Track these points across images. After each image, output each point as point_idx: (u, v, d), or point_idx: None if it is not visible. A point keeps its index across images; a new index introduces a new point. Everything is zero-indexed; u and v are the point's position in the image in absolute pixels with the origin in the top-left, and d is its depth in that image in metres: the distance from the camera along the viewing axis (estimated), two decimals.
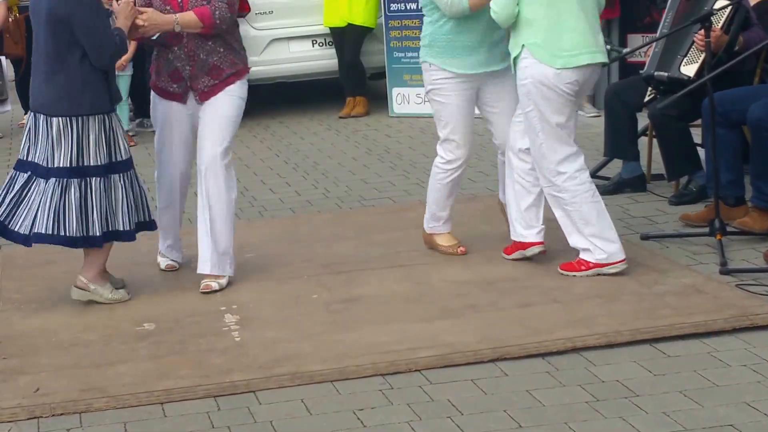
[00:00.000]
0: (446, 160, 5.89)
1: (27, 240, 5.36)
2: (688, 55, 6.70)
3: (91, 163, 5.28)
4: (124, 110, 9.96)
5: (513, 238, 5.77)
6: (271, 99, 11.30)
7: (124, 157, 5.38)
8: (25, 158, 5.40)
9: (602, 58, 5.56)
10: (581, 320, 4.92)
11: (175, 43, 5.58)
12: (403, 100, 10.50)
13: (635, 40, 9.58)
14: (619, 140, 7.12)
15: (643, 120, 7.27)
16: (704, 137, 6.68)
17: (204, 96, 5.59)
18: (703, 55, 6.48)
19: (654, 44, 6.97)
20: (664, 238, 6.07)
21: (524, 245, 5.72)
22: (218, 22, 5.48)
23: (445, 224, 6.05)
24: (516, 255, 5.77)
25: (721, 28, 6.44)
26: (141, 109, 10.57)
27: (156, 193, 5.91)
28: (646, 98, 6.99)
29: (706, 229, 5.88)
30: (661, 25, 6.99)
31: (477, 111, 5.93)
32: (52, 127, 5.24)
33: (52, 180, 5.26)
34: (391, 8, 10.38)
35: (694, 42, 6.63)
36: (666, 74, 6.76)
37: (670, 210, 6.68)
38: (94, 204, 5.29)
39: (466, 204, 6.90)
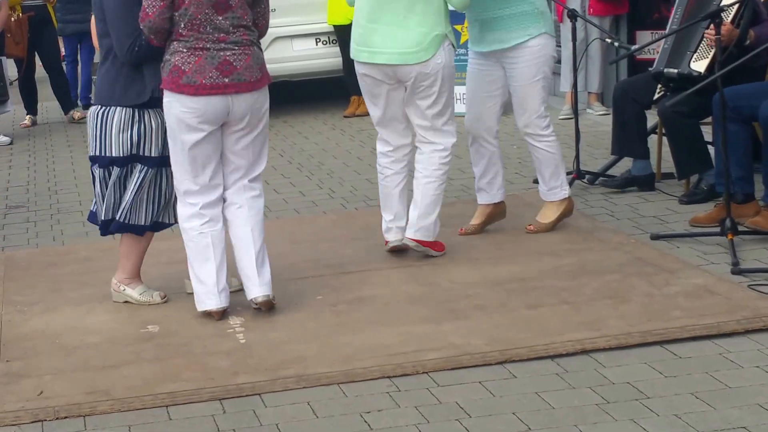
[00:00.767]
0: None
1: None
2: (698, 51, 6.70)
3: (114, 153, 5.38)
4: None
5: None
6: (275, 98, 11.25)
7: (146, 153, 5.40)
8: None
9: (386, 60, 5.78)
10: (591, 322, 4.92)
11: None
12: None
13: (644, 36, 9.58)
14: (628, 138, 7.12)
15: (652, 118, 7.28)
16: (715, 134, 6.68)
17: None
18: (713, 51, 6.48)
19: (663, 41, 6.97)
20: (675, 237, 6.07)
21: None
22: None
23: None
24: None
25: (732, 22, 6.44)
26: None
27: None
28: (656, 96, 7.00)
29: (718, 229, 5.88)
30: (671, 21, 7.00)
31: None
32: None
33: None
34: None
35: (704, 38, 6.63)
36: (676, 71, 6.77)
37: (681, 209, 6.68)
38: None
39: (473, 205, 6.89)
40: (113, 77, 5.32)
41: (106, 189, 5.41)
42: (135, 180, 5.36)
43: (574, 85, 7.65)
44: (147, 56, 5.21)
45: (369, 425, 4.11)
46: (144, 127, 5.32)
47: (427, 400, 4.29)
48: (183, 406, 4.36)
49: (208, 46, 5.11)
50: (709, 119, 6.73)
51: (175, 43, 5.11)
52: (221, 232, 5.26)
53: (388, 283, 5.60)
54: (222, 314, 5.22)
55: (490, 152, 6.34)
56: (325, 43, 10.69)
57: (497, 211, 6.43)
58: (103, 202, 5.44)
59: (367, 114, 10.46)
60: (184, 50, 5.10)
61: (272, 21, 5.54)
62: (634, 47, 8.01)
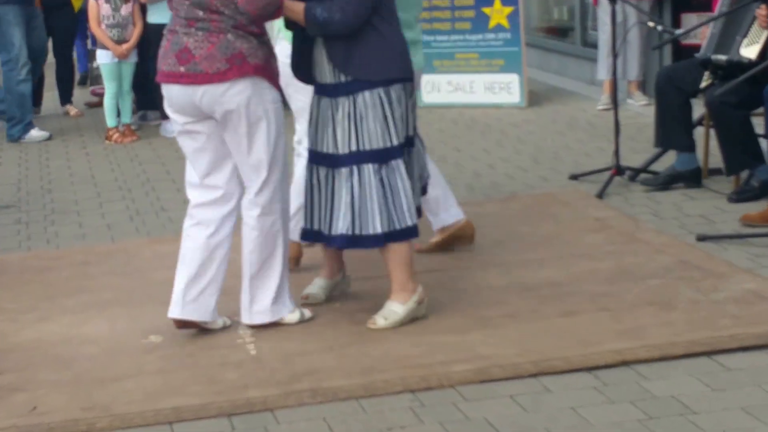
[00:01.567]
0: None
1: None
2: (749, 35, 6.69)
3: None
4: (126, 102, 10.03)
5: None
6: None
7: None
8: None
9: None
10: (632, 330, 4.92)
11: None
12: (433, 88, 10.52)
13: (690, 19, 9.56)
14: (672, 129, 7.12)
15: (699, 108, 7.27)
16: (767, 127, 6.67)
17: None
18: (765, 35, 6.47)
19: (711, 24, 6.97)
20: (723, 239, 6.06)
21: None
22: None
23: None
24: None
25: None
26: (143, 101, 10.63)
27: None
28: (702, 84, 6.99)
29: None
30: (720, 3, 6.99)
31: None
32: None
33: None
34: None
35: (755, 20, 6.62)
36: (724, 57, 6.76)
37: (730, 208, 6.67)
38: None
39: (503, 204, 6.91)
40: None
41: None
42: None
43: (613, 73, 7.64)
44: None
45: None
46: None
47: (454, 415, 4.30)
48: (189, 423, 4.38)
49: (177, 29, 5.04)
50: (761, 110, 6.72)
51: None
52: (209, 241, 5.12)
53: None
54: (183, 325, 5.18)
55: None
56: None
57: (460, 234, 6.22)
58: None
59: None
60: (166, 32, 5.13)
61: None
62: (678, 31, 8.02)
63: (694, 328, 4.91)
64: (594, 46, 10.54)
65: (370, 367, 4.72)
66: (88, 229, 7.22)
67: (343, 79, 5.07)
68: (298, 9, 5.05)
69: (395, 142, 5.06)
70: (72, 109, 11.41)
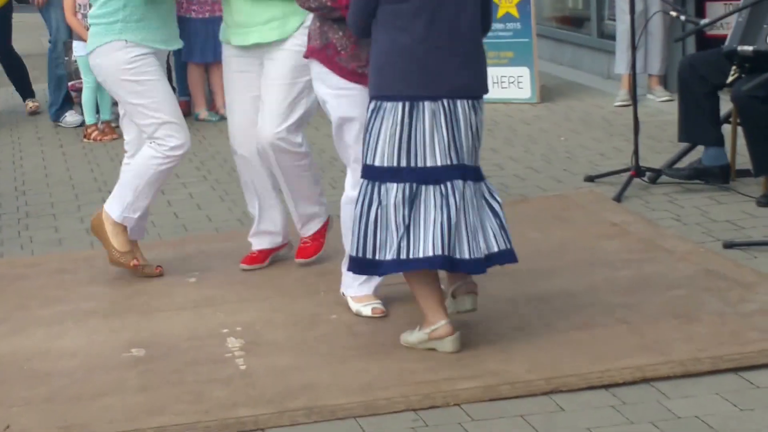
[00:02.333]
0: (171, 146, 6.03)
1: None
2: None
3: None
4: (105, 97, 10.02)
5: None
6: None
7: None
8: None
9: None
10: (653, 345, 4.92)
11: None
12: None
13: (715, 9, 9.57)
14: (697, 121, 7.10)
15: (726, 104, 7.26)
16: None
17: None
18: None
19: (737, 13, 6.97)
20: (752, 246, 6.06)
21: None
22: None
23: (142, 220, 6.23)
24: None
25: None
26: None
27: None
28: (729, 78, 6.98)
29: None
30: None
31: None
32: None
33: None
34: None
35: None
36: (751, 48, 6.76)
37: (759, 212, 6.68)
38: None
39: (513, 207, 6.91)
40: None
41: None
42: None
43: (632, 67, 7.64)
44: None
45: None
46: None
47: None
48: None
49: None
50: None
51: None
52: None
53: (414, 299, 5.60)
54: None
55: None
56: None
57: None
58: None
59: None
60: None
61: None
62: (703, 21, 8.01)
63: (721, 342, 4.91)
64: (611, 37, 10.53)
65: (370, 383, 4.72)
66: (65, 234, 7.22)
67: None
68: None
69: (375, 162, 4.99)
70: (30, 103, 11.41)
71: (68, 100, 10.82)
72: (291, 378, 4.83)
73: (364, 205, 4.99)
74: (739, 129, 7.09)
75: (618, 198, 7.11)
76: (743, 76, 6.85)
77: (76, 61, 10.44)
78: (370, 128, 5.02)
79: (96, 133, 10.00)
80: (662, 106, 9.61)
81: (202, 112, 10.59)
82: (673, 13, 7.99)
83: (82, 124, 10.40)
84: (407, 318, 5.39)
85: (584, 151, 8.49)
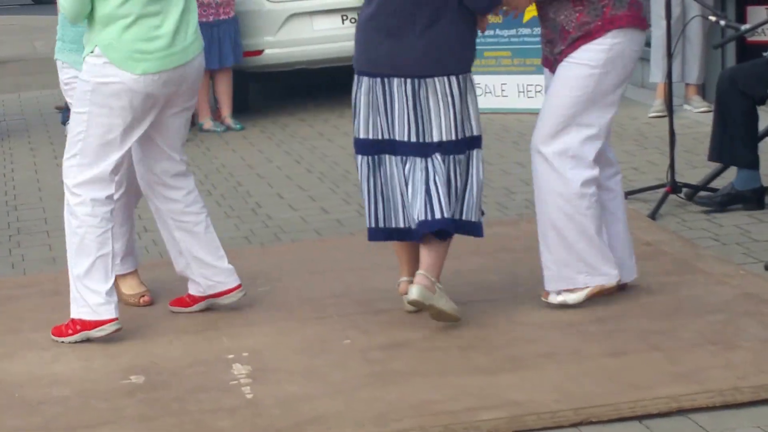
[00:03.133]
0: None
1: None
2: None
3: None
4: None
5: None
6: (291, 90, 11.36)
7: None
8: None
9: None
10: (689, 373, 4.93)
11: None
12: None
13: (757, 13, 9.58)
14: (732, 141, 7.10)
15: (765, 118, 7.27)
16: None
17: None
18: None
19: None
20: None
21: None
22: None
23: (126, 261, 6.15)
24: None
25: None
26: None
27: None
28: None
29: None
30: None
31: None
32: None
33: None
34: None
35: None
36: None
37: None
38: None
39: (513, 227, 6.90)
40: None
41: None
42: None
43: (669, 75, 7.65)
44: None
45: None
46: None
47: None
48: None
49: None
50: None
51: None
52: None
53: (432, 323, 5.62)
54: None
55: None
56: (353, 20, 10.74)
57: None
58: None
59: None
60: None
61: None
62: (744, 27, 8.01)
63: (762, 371, 4.91)
64: (646, 43, 10.53)
65: (385, 414, 4.73)
66: (59, 252, 7.22)
67: None
68: None
69: (358, 135, 5.74)
70: None
71: None
72: (300, 407, 4.84)
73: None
74: None
75: (653, 216, 7.12)
76: None
77: None
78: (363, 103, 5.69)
79: None
80: (700, 117, 9.61)
81: (207, 122, 10.62)
82: (713, 18, 7.99)
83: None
84: (426, 344, 5.41)
85: None
